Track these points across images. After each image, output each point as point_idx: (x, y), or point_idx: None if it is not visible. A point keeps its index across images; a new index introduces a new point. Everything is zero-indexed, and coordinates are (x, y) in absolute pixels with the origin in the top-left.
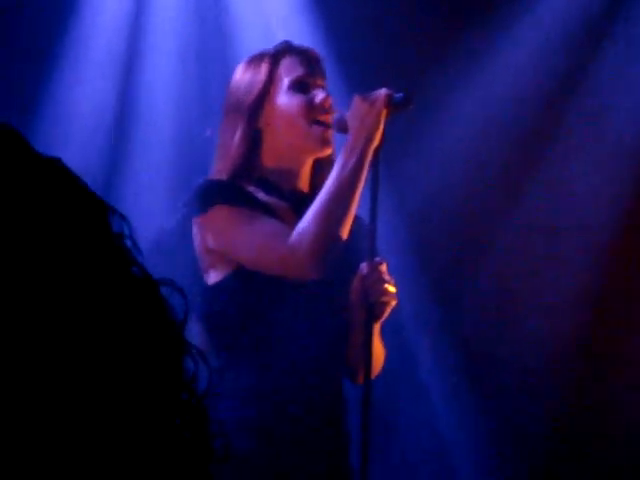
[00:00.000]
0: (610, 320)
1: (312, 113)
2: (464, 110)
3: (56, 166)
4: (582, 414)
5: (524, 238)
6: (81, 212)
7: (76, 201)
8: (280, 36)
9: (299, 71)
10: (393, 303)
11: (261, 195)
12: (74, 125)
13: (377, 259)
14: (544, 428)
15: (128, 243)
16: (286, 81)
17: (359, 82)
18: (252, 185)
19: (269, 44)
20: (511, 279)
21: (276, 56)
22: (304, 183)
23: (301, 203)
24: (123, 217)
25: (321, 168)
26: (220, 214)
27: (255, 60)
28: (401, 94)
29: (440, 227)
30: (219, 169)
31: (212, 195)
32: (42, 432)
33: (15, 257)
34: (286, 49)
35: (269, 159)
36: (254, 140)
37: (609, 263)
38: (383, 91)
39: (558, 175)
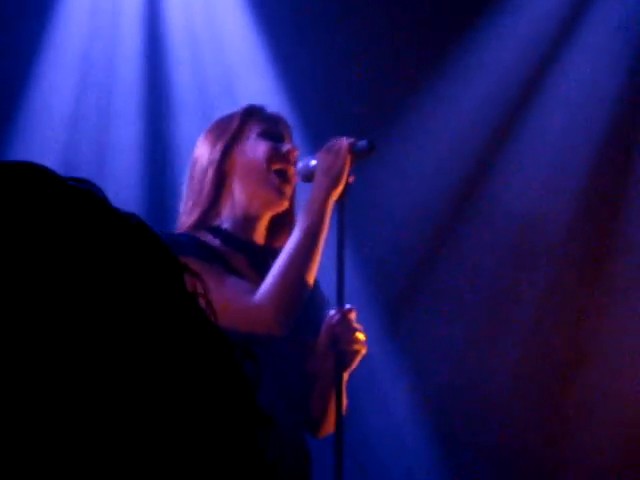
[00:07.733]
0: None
1: (275, 160)
2: (431, 154)
3: (133, 223)
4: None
5: (492, 280)
6: (161, 272)
7: (156, 261)
8: (243, 91)
9: (269, 125)
10: (363, 351)
11: (217, 244)
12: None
13: (346, 306)
14: None
15: (201, 303)
16: (256, 129)
17: (320, 130)
18: (209, 234)
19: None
20: (480, 324)
21: (249, 111)
22: (260, 236)
23: (257, 255)
24: (196, 275)
25: (279, 224)
26: None
27: (227, 116)
28: (364, 141)
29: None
30: (187, 212)
31: (174, 247)
32: None
33: (98, 320)
34: (259, 108)
35: (229, 207)
36: (221, 186)
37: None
38: (345, 139)
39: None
